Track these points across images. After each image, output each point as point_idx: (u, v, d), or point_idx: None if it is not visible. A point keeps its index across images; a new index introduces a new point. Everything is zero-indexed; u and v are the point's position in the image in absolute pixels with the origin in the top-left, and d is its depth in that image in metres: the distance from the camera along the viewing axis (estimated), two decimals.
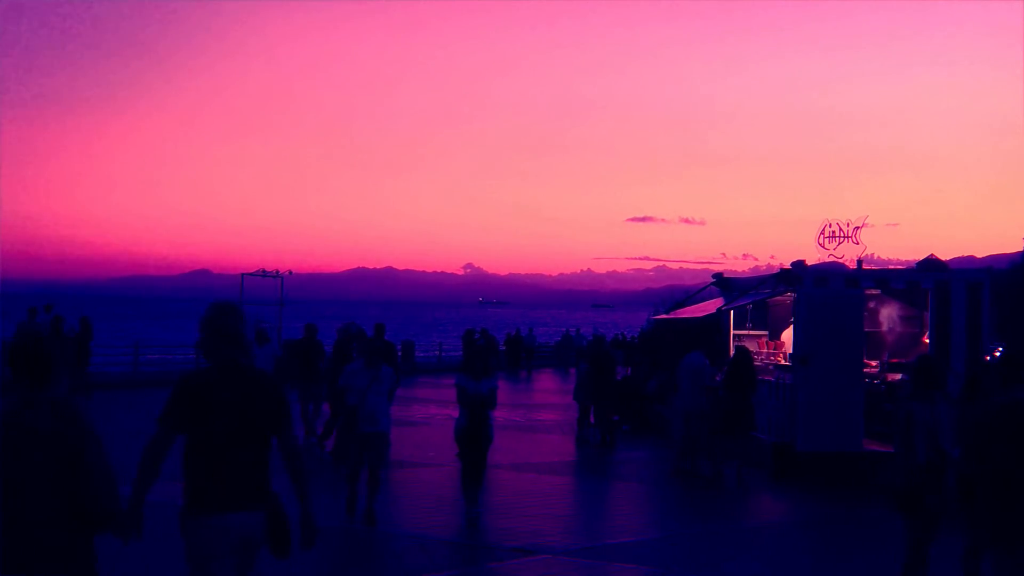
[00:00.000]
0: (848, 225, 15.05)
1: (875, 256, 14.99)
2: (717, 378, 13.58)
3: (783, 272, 13.99)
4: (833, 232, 15.22)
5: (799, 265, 14.09)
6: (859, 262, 15.01)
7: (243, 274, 29.54)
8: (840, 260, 15.02)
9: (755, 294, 15.76)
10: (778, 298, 15.70)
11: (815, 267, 14.39)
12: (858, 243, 14.90)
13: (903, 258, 16.74)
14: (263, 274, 29.63)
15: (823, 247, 15.29)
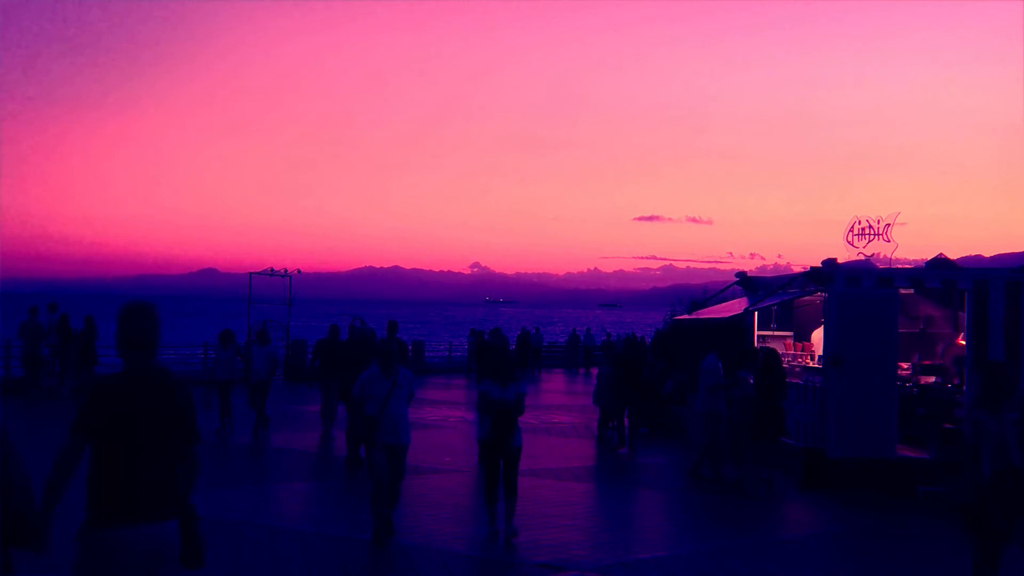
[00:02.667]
0: (879, 222, 14.47)
1: (881, 255, 14.43)
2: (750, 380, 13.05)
3: (813, 271, 13.45)
4: (863, 229, 14.62)
5: (830, 263, 13.54)
6: (866, 261, 14.51)
7: (251, 273, 29.21)
8: (871, 259, 14.46)
9: (783, 294, 15.21)
10: (806, 298, 15.16)
11: (846, 265, 13.85)
12: (889, 240, 14.31)
13: (911, 257, 16.41)
14: (271, 273, 29.32)
15: (852, 245, 14.69)
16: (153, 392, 4.15)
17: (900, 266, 14.50)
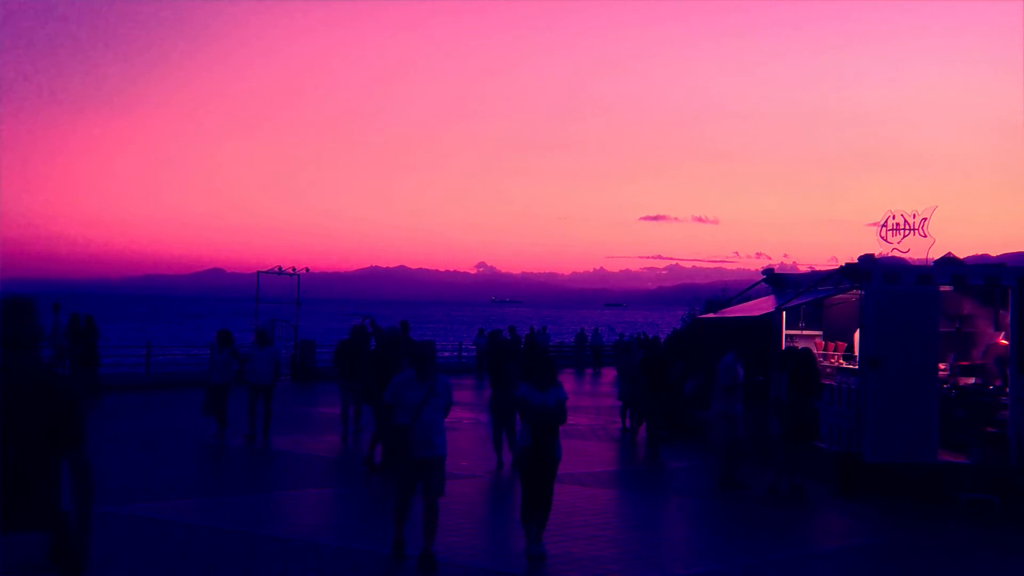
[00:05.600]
0: (914, 217, 13.87)
1: (886, 254, 13.87)
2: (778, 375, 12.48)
3: (849, 267, 12.84)
4: (897, 224, 14.02)
5: (867, 259, 12.94)
6: (894, 257, 13.94)
7: (259, 272, 28.74)
8: (905, 255, 13.86)
9: (815, 291, 14.58)
10: (838, 296, 14.53)
11: (883, 261, 13.25)
12: (926, 236, 13.71)
13: (916, 256, 15.98)
14: (279, 271, 28.84)
15: (886, 241, 14.09)
16: (23, 393, 3.78)
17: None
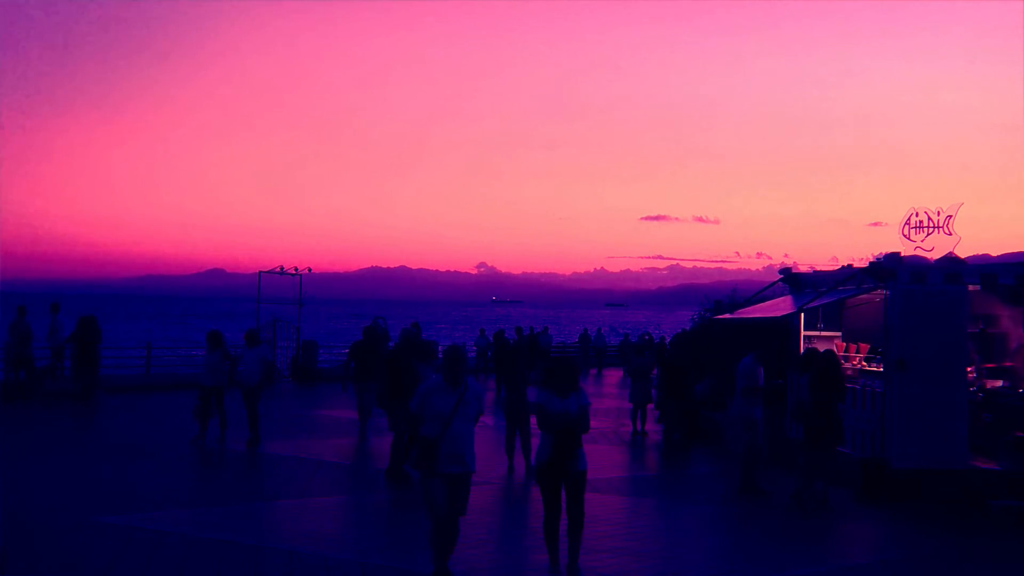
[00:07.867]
0: (939, 214, 13.44)
1: (909, 253, 13.50)
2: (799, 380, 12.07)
3: (873, 266, 12.45)
4: (920, 222, 13.61)
5: (893, 258, 12.54)
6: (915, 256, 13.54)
7: (260, 272, 28.35)
8: (928, 254, 13.44)
9: (836, 292, 14.15)
10: (861, 296, 14.09)
11: (908, 260, 12.83)
12: (951, 233, 13.29)
13: (941, 255, 15.77)
14: (281, 272, 28.46)
15: (909, 239, 13.68)
16: None
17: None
